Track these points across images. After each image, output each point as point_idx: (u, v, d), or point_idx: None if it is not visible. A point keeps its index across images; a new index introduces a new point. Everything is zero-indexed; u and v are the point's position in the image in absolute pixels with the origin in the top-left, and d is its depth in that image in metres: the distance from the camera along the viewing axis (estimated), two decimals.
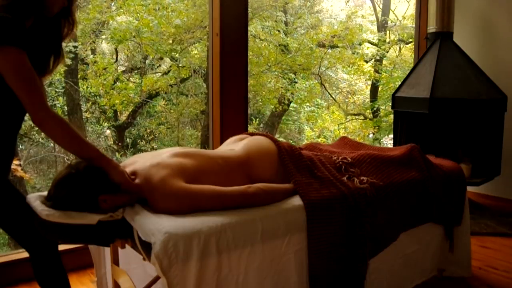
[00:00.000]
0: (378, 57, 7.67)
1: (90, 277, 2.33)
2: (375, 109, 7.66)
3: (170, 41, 5.94)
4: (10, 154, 1.49)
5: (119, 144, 6.02)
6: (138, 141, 6.26)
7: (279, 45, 6.83)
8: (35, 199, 1.44)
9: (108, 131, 6.11)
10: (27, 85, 1.31)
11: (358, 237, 1.69)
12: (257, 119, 7.15)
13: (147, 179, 1.44)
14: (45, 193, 1.47)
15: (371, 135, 7.79)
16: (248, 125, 3.08)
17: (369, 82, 7.97)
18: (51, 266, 1.57)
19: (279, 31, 6.82)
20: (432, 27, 3.53)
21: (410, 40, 7.40)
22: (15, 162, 4.05)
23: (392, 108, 3.66)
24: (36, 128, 1.54)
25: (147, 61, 6.20)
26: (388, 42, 7.78)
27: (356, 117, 8.20)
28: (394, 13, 7.92)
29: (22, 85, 1.31)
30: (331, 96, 7.94)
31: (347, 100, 8.21)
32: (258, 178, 1.66)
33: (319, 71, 7.30)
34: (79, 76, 5.50)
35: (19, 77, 1.31)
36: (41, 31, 1.51)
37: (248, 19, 2.91)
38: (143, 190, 1.44)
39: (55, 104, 5.29)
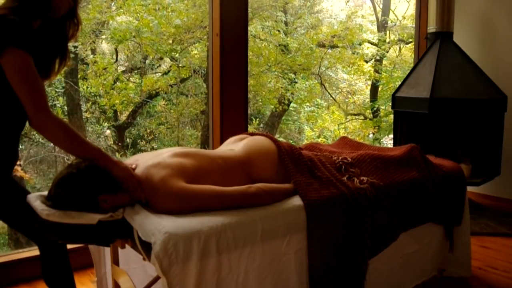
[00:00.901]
0: (378, 57, 7.67)
1: (90, 277, 2.33)
2: (375, 109, 7.66)
3: (170, 41, 5.94)
4: (14, 153, 1.50)
5: (119, 144, 6.02)
6: (138, 141, 6.26)
7: (279, 45, 6.83)
8: (35, 198, 1.44)
9: (108, 131, 6.11)
10: (29, 88, 1.32)
11: (358, 237, 1.69)
12: (257, 119, 7.15)
13: (148, 179, 1.44)
14: (46, 192, 1.47)
15: (371, 135, 7.79)
16: (248, 125, 3.08)
17: (369, 82, 7.97)
18: (60, 263, 1.59)
19: (279, 31, 6.82)
20: (432, 27, 3.53)
21: (410, 40, 7.40)
22: None
23: (392, 108, 3.66)
24: None
25: (147, 61, 6.20)
26: (388, 42, 7.78)
27: (356, 117, 8.20)
28: (394, 13, 7.92)
29: (24, 88, 1.32)
30: (331, 96, 7.94)
31: (347, 100, 8.21)
32: (258, 178, 1.66)
33: (319, 71, 7.30)
34: (79, 76, 5.50)
35: (22, 79, 1.31)
36: (47, 32, 1.51)
37: (248, 19, 2.91)
38: (144, 190, 1.44)
39: (55, 104, 5.29)
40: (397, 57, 8.09)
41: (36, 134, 5.23)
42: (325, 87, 7.70)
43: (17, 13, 1.36)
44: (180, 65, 5.96)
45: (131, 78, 6.13)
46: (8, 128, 1.44)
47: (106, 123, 5.95)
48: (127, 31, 5.40)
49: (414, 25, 4.45)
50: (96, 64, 5.58)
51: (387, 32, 7.79)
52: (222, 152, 1.72)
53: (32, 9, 1.40)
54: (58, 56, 1.56)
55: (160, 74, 6.35)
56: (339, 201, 1.66)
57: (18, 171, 4.37)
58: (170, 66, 6.16)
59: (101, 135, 6.03)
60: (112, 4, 5.66)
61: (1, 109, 1.40)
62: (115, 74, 5.79)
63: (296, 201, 1.61)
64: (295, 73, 7.09)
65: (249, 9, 2.97)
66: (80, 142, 1.39)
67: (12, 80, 1.31)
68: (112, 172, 1.41)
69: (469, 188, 2.62)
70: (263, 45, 6.70)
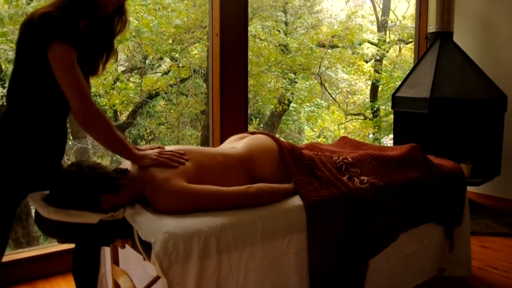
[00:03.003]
0: (378, 57, 7.67)
1: None
2: (375, 109, 7.66)
3: (170, 41, 5.93)
4: (63, 139, 1.56)
5: None
6: (138, 141, 6.25)
7: (279, 45, 6.82)
8: (36, 197, 1.44)
9: None
10: (75, 81, 1.36)
11: (358, 237, 1.69)
12: (257, 119, 7.15)
13: (150, 178, 1.44)
14: (47, 191, 1.47)
15: (371, 135, 7.79)
16: (248, 125, 3.08)
17: (369, 82, 7.97)
18: (92, 257, 1.69)
19: (279, 31, 6.82)
20: (432, 27, 3.53)
21: (410, 40, 7.40)
22: None
23: (392, 108, 3.66)
24: None
25: (147, 61, 6.20)
26: (388, 42, 7.78)
27: (356, 117, 8.20)
28: (394, 13, 7.92)
29: (70, 81, 1.36)
30: (331, 96, 7.93)
31: (347, 100, 8.21)
32: (259, 176, 1.66)
33: (319, 71, 7.30)
34: None
35: (69, 73, 1.35)
36: (95, 29, 1.56)
37: (248, 19, 2.90)
38: (145, 189, 1.44)
39: None
40: (397, 57, 8.09)
41: None
42: (325, 87, 7.70)
43: (64, 11, 1.40)
44: (180, 65, 5.96)
45: (131, 78, 6.12)
46: (55, 116, 1.50)
47: None
48: (127, 31, 5.39)
49: (414, 25, 4.45)
50: None
51: (387, 32, 7.79)
52: (223, 150, 1.72)
53: (80, 8, 1.45)
54: (105, 52, 1.61)
55: (160, 74, 6.35)
56: (339, 201, 1.66)
57: None
58: (170, 66, 6.16)
59: None
60: None
61: (47, 100, 1.45)
62: (115, 74, 5.78)
63: (296, 201, 1.61)
64: (295, 73, 7.09)
65: (249, 9, 2.97)
66: (120, 144, 1.45)
67: (58, 74, 1.36)
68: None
69: (469, 188, 2.62)
70: (263, 45, 6.69)
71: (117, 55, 1.75)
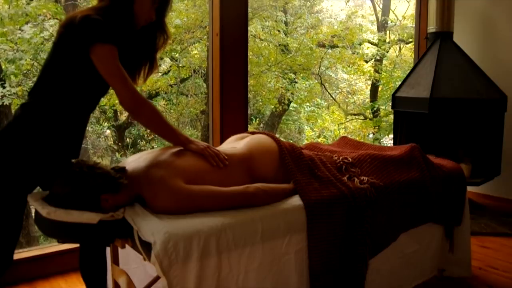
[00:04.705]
0: (378, 57, 7.67)
1: None
2: (375, 109, 7.66)
3: (170, 41, 5.93)
4: (81, 139, 1.64)
5: (119, 144, 6.01)
6: (138, 141, 6.25)
7: (279, 45, 6.83)
8: (36, 197, 1.44)
9: (108, 131, 6.10)
10: (122, 75, 1.45)
11: (358, 237, 1.69)
12: (257, 119, 7.15)
13: (148, 178, 1.44)
14: (47, 191, 1.47)
15: (371, 135, 7.79)
16: (248, 125, 3.08)
17: (369, 82, 7.97)
18: (98, 255, 1.71)
19: (279, 31, 6.82)
20: (432, 27, 3.53)
21: (410, 40, 7.40)
22: None
23: (392, 108, 3.66)
24: None
25: None
26: (388, 42, 7.78)
27: (356, 117, 8.20)
28: (394, 13, 7.92)
29: (117, 75, 1.44)
30: (331, 96, 7.94)
31: (347, 100, 8.21)
32: (259, 175, 1.66)
33: (319, 71, 7.30)
34: None
35: (115, 68, 1.43)
36: (131, 40, 1.61)
37: (248, 19, 2.90)
38: (143, 189, 1.44)
39: None
40: (397, 57, 8.10)
41: None
42: (325, 87, 7.70)
43: (101, 16, 1.45)
44: (180, 65, 5.96)
45: None
46: (78, 116, 1.58)
47: (106, 123, 5.94)
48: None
49: (414, 25, 4.44)
50: None
51: (387, 32, 7.79)
52: (224, 150, 1.72)
53: (115, 16, 1.50)
54: (148, 63, 1.69)
55: (160, 74, 6.35)
56: (339, 201, 1.66)
57: None
58: (170, 66, 6.16)
59: (101, 135, 6.02)
60: None
61: (74, 100, 1.52)
62: None
63: (296, 201, 1.61)
64: (295, 73, 7.09)
65: (249, 9, 2.96)
66: (169, 130, 1.58)
67: (103, 70, 1.43)
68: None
69: (469, 188, 2.62)
70: (263, 45, 6.70)
71: (158, 69, 1.88)
